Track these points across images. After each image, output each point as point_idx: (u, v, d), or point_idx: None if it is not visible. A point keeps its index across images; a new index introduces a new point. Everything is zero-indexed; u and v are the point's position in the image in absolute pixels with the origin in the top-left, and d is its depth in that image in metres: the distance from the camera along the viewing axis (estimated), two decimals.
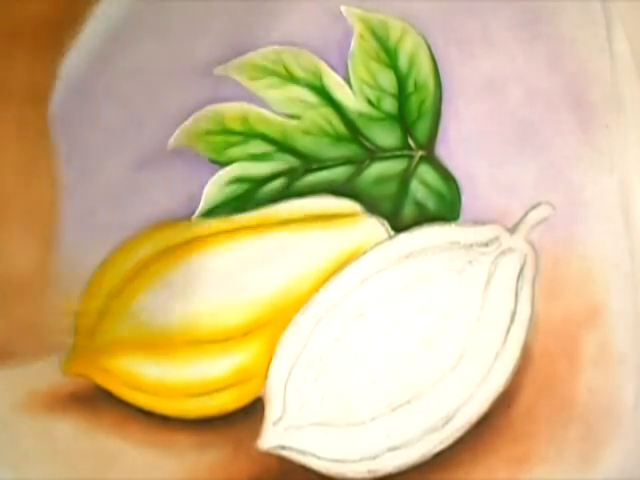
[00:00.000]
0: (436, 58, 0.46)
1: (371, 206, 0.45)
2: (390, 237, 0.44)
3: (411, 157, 0.46)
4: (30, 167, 0.33)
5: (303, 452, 0.42)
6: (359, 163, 0.45)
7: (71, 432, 0.42)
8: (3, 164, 0.32)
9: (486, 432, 0.42)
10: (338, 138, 0.46)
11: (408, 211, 0.45)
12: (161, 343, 0.43)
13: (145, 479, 0.42)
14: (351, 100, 0.46)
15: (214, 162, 0.45)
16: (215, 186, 0.45)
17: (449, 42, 0.47)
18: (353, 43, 0.46)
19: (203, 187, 0.45)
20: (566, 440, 0.42)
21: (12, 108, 0.33)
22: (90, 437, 0.42)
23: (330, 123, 0.46)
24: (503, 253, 0.44)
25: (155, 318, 0.43)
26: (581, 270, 0.44)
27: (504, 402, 0.43)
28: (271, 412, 0.42)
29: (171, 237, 0.44)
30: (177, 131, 0.45)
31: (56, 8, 0.33)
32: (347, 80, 0.46)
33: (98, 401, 0.43)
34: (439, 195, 0.45)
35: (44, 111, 0.35)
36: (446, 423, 0.42)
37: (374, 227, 0.44)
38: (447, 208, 0.45)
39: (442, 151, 0.46)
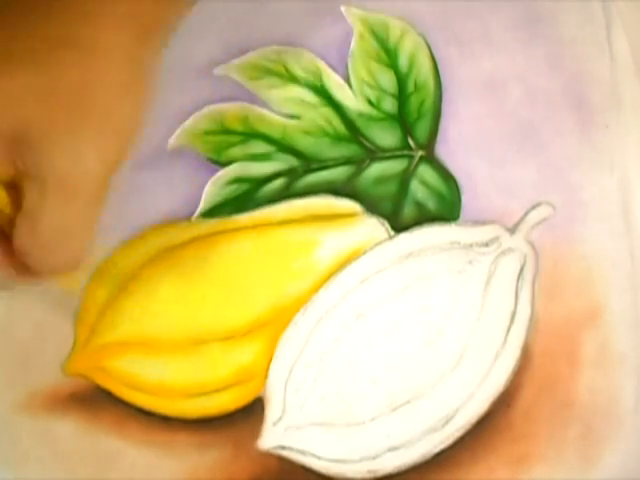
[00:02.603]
0: (436, 58, 0.46)
1: (371, 206, 0.45)
2: (390, 237, 0.44)
3: (411, 157, 0.46)
4: (127, 89, 0.34)
5: (303, 452, 0.42)
6: (359, 163, 0.45)
7: (71, 432, 0.42)
8: (106, 78, 0.33)
9: (486, 432, 0.42)
10: (338, 138, 0.46)
11: (408, 211, 0.45)
12: (161, 343, 0.43)
13: (145, 479, 0.42)
14: (351, 100, 0.46)
15: (214, 162, 0.45)
16: (215, 186, 0.45)
17: (449, 42, 0.47)
18: (353, 43, 0.46)
19: (203, 187, 0.45)
20: (566, 440, 0.42)
21: (130, 32, 0.34)
22: (90, 437, 0.42)
23: (330, 123, 0.46)
24: (503, 253, 0.44)
25: (155, 318, 0.43)
26: (581, 270, 0.44)
27: (504, 402, 0.43)
28: (271, 412, 0.42)
29: (171, 237, 0.44)
30: (177, 131, 0.45)
31: None
32: (347, 80, 0.46)
33: (98, 401, 0.43)
34: (439, 195, 0.45)
35: (154, 45, 0.36)
36: (446, 423, 0.42)
37: (374, 227, 0.44)
38: (447, 208, 0.45)
39: (442, 151, 0.46)
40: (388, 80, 0.46)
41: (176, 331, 0.43)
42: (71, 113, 0.33)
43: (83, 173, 0.34)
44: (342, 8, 0.47)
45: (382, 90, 0.46)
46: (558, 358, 0.43)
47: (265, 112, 0.46)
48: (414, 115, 0.46)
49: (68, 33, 0.33)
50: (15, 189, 0.35)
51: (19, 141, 0.33)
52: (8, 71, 0.33)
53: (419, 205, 0.45)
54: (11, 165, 0.34)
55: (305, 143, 0.45)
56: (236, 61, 0.46)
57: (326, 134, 0.46)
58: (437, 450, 0.42)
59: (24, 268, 0.36)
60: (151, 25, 0.35)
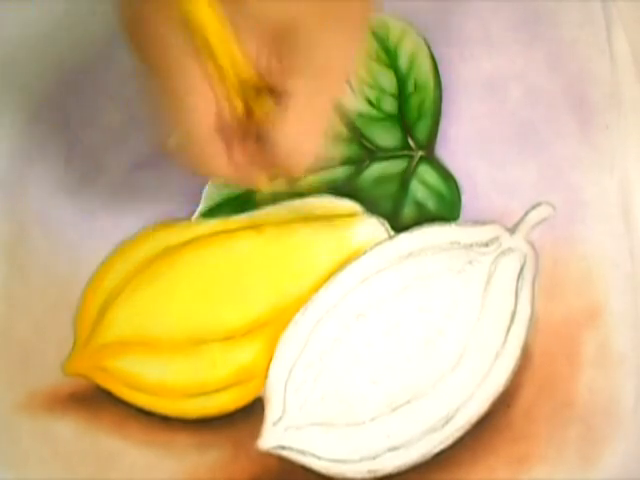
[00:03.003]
0: (436, 58, 0.46)
1: (371, 206, 0.45)
2: (390, 237, 0.44)
3: (411, 157, 0.46)
4: (342, 22, 0.36)
5: (303, 452, 0.42)
6: (359, 163, 0.45)
7: (71, 432, 0.42)
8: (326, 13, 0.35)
9: (486, 432, 0.42)
10: (338, 138, 0.46)
11: (408, 211, 0.45)
12: (161, 343, 0.43)
13: (145, 479, 0.42)
14: (351, 100, 0.46)
15: None
16: (215, 186, 0.45)
17: (449, 42, 0.47)
18: None
19: (203, 187, 0.45)
20: (566, 440, 0.42)
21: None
22: (90, 437, 0.42)
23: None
24: (503, 253, 0.44)
25: (155, 318, 0.43)
26: (581, 270, 0.44)
27: (504, 402, 0.43)
28: (271, 412, 0.42)
29: (171, 237, 0.44)
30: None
31: None
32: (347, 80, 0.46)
33: (98, 401, 0.43)
34: (439, 195, 0.45)
35: None
36: (446, 423, 0.42)
37: (374, 227, 0.44)
38: (447, 208, 0.45)
39: (442, 151, 0.46)
40: (388, 80, 0.46)
41: (176, 331, 0.43)
42: (331, 9, 0.35)
43: (340, 69, 0.36)
44: None
45: (382, 90, 0.46)
46: (558, 358, 0.43)
47: None
48: (414, 115, 0.46)
49: None
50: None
51: (286, 36, 0.34)
52: None
53: (419, 205, 0.45)
54: (267, 61, 0.35)
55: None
56: None
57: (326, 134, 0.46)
58: (437, 450, 0.42)
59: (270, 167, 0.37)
60: None
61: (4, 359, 0.43)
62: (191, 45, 0.34)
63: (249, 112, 0.37)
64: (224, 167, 0.37)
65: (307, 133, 0.36)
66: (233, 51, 0.34)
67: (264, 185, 0.39)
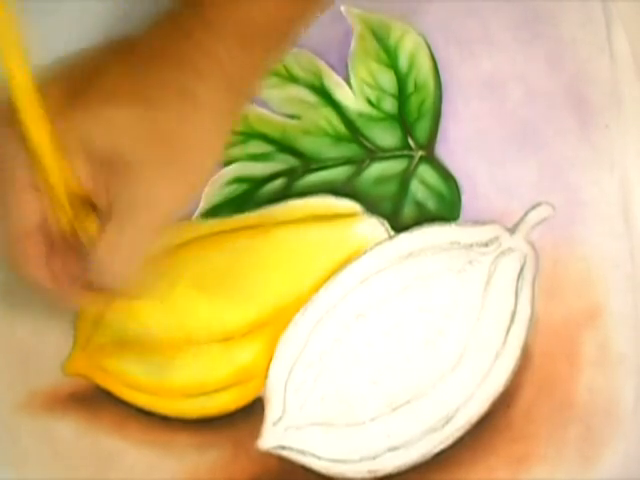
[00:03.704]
0: (436, 58, 0.46)
1: (371, 206, 0.45)
2: (390, 237, 0.44)
3: (411, 157, 0.46)
4: (212, 145, 0.37)
5: (303, 452, 0.42)
6: (359, 163, 0.45)
7: (71, 432, 0.42)
8: (198, 129, 0.36)
9: (486, 432, 0.42)
10: (338, 138, 0.46)
11: (408, 211, 0.45)
12: (160, 344, 0.43)
13: (145, 479, 0.42)
14: (351, 100, 0.46)
15: None
16: (215, 186, 0.45)
17: (449, 42, 0.47)
18: (353, 43, 0.46)
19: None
20: (566, 440, 0.42)
21: (227, 91, 0.36)
22: (90, 437, 0.42)
23: (330, 123, 0.46)
24: (503, 253, 0.44)
25: (154, 318, 0.43)
26: (581, 270, 0.44)
27: (504, 402, 0.43)
28: (271, 412, 0.42)
29: (171, 237, 0.44)
30: None
31: None
32: (347, 80, 0.46)
33: (98, 401, 0.43)
34: (439, 195, 0.45)
35: (248, 95, 0.40)
36: (446, 423, 0.42)
37: (374, 227, 0.44)
38: (447, 208, 0.45)
39: (442, 151, 0.46)
40: (388, 80, 0.46)
41: (176, 331, 0.43)
42: (164, 150, 0.35)
43: (163, 206, 0.36)
44: (342, 8, 0.47)
45: (382, 90, 0.46)
46: (558, 358, 0.43)
47: (265, 112, 0.46)
48: (414, 115, 0.46)
49: (177, 83, 0.36)
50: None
51: (112, 164, 0.35)
52: (115, 102, 0.35)
53: (419, 205, 0.45)
54: (94, 183, 0.36)
55: (305, 143, 0.45)
56: None
57: (326, 134, 0.46)
58: (437, 450, 0.42)
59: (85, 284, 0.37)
60: (246, 80, 0.38)
61: (4, 359, 0.43)
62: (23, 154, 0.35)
63: (73, 228, 0.37)
64: (41, 271, 0.37)
65: (123, 257, 0.36)
66: (61, 166, 0.35)
67: (84, 304, 0.39)
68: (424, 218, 0.45)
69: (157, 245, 0.37)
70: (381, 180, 0.45)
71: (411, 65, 0.46)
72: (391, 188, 0.45)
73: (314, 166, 0.45)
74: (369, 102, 0.46)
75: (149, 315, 0.43)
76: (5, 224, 0.36)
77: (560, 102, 0.46)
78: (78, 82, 0.35)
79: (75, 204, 0.36)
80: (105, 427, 0.42)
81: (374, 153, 0.46)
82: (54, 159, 0.35)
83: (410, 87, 0.46)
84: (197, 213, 0.45)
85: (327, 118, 0.46)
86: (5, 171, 0.36)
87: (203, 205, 0.45)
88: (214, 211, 0.45)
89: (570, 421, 0.43)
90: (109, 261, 0.36)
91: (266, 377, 0.43)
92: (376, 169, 0.45)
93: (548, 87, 0.46)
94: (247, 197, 0.45)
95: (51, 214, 0.36)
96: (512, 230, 0.44)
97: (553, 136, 0.46)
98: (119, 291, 0.37)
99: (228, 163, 0.45)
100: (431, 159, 0.45)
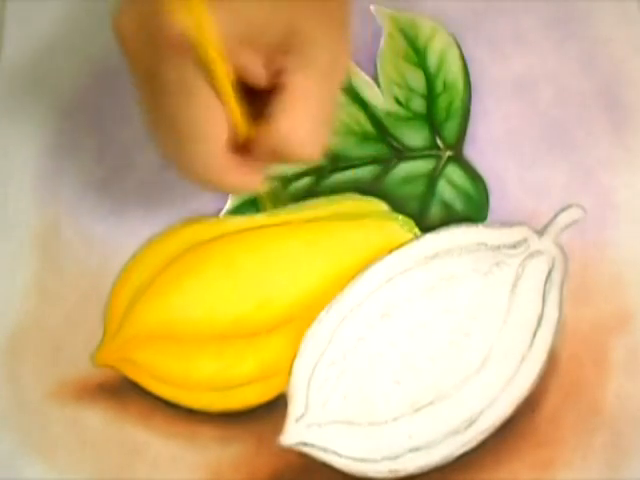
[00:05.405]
0: (466, 58, 0.46)
1: (398, 206, 0.45)
2: (416, 237, 0.44)
3: (439, 157, 0.45)
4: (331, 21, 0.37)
5: (325, 449, 0.42)
6: (386, 162, 0.45)
7: (99, 421, 0.43)
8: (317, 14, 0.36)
9: (510, 436, 0.42)
10: (365, 137, 0.46)
11: (435, 211, 0.45)
12: (188, 337, 0.43)
13: (168, 470, 0.42)
14: (379, 99, 0.46)
15: None
16: None
17: (479, 42, 0.46)
18: (382, 42, 0.46)
19: None
20: (592, 447, 0.41)
21: None
22: (117, 427, 0.43)
23: (358, 122, 0.46)
24: (531, 255, 0.43)
25: (182, 312, 0.43)
26: (611, 274, 0.43)
27: (529, 406, 0.42)
28: (294, 409, 0.43)
29: (199, 234, 0.45)
30: None
31: None
32: (375, 79, 0.46)
33: (125, 392, 0.43)
34: (467, 196, 0.45)
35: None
36: (469, 426, 0.42)
37: (401, 227, 0.44)
38: (474, 209, 0.44)
39: (470, 151, 0.45)
40: (417, 79, 0.46)
41: (203, 326, 0.43)
42: (327, 21, 0.36)
43: (340, 66, 0.37)
44: (372, 7, 0.47)
45: (411, 89, 0.46)
46: (586, 363, 0.42)
47: None
48: (443, 115, 0.46)
49: None
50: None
51: (288, 42, 0.35)
52: None
53: (446, 205, 0.45)
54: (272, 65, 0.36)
55: (332, 142, 0.45)
56: None
57: (353, 133, 0.46)
58: (459, 452, 0.42)
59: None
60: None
61: (36, 349, 0.44)
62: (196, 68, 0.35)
63: (247, 120, 0.37)
64: (238, 178, 0.37)
65: (313, 122, 0.36)
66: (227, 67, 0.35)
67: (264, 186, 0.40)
68: (451, 219, 0.44)
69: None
70: (408, 180, 0.45)
71: (440, 65, 0.46)
72: (418, 188, 0.45)
73: (341, 165, 0.45)
74: (397, 101, 0.46)
75: (177, 309, 0.44)
76: (199, 144, 0.36)
77: (593, 103, 0.45)
78: None
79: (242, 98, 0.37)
80: (131, 418, 0.43)
81: (402, 153, 0.45)
82: (221, 60, 0.35)
83: (439, 87, 0.46)
84: (225, 210, 0.45)
85: (355, 117, 0.46)
86: (190, 95, 0.35)
87: (231, 202, 0.45)
88: (242, 208, 0.45)
89: (597, 428, 0.42)
90: (298, 127, 0.36)
91: (290, 374, 0.43)
92: (403, 169, 0.45)
93: (580, 87, 0.46)
94: (275, 195, 0.45)
95: (233, 124, 0.37)
96: (541, 232, 0.44)
97: (585, 137, 0.45)
98: (314, 154, 0.37)
99: None
100: (459, 159, 0.45)
